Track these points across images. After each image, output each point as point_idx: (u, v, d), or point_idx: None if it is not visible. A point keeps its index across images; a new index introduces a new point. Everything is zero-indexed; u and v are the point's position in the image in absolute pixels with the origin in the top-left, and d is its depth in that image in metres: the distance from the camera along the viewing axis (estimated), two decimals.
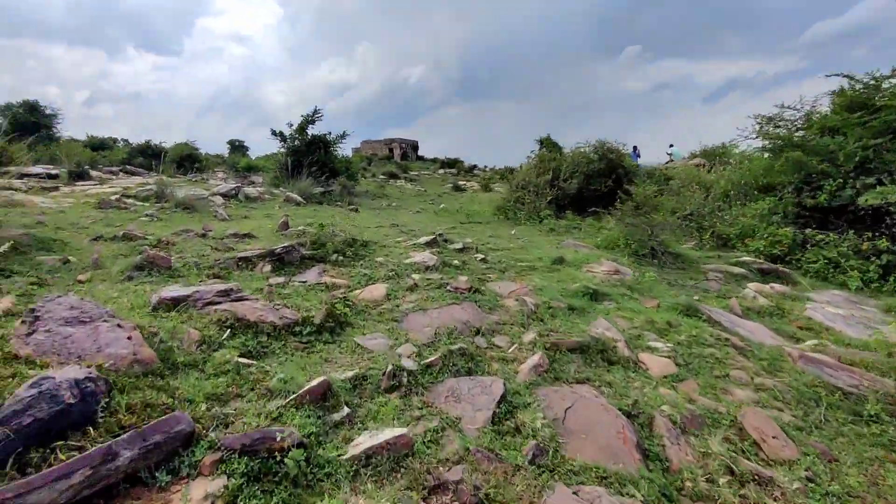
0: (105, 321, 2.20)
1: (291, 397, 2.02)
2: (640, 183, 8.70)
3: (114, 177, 17.09)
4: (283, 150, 16.09)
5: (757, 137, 8.62)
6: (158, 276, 3.54)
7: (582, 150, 9.80)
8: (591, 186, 8.87)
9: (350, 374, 2.32)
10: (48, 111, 29.89)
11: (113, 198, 8.46)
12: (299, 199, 10.93)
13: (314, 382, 2.11)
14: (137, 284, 3.32)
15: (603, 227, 7.53)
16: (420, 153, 59.52)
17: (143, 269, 3.58)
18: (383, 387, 2.29)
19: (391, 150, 55.12)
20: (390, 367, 2.36)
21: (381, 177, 35.47)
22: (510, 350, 2.89)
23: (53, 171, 12.25)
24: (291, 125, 15.68)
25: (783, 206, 7.00)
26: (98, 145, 33.43)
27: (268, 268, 4.00)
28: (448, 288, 3.90)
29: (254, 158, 34.81)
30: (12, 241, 4.03)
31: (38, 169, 12.15)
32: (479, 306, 3.59)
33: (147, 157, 28.15)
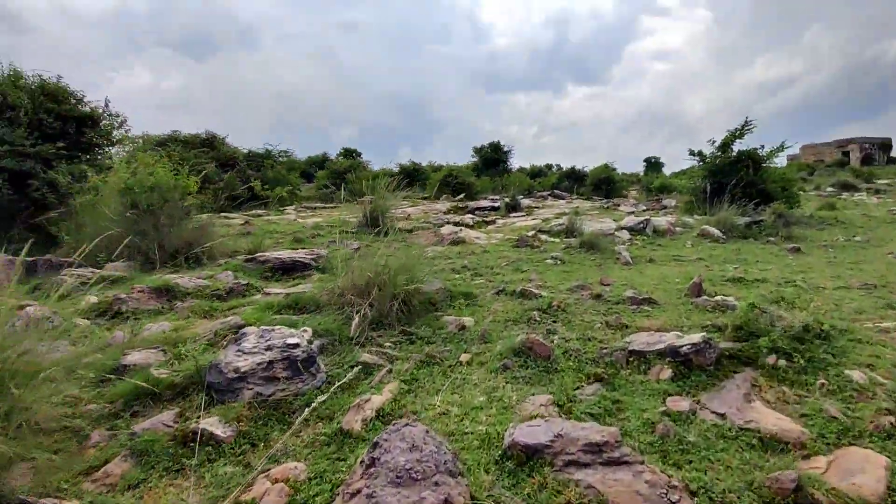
0: (436, 484, 1.68)
1: None
2: None
3: (541, 202, 19.30)
4: (699, 169, 14.25)
5: None
6: (534, 369, 3.02)
7: None
8: None
9: None
10: (506, 148, 37.19)
11: (530, 234, 9.05)
12: (717, 233, 9.14)
13: None
14: (508, 381, 2.88)
15: None
16: (894, 154, 43.97)
17: (520, 354, 3.15)
18: None
19: (846, 154, 42.80)
20: None
21: (829, 189, 27.56)
22: None
23: (496, 204, 14.58)
24: (714, 142, 13.68)
25: None
26: (536, 173, 39.37)
27: (667, 373, 2.92)
28: None
29: (669, 175, 33.44)
30: (429, 296, 4.40)
31: (485, 203, 14.76)
32: None
33: (572, 180, 31.20)
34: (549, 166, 49.91)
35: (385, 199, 8.73)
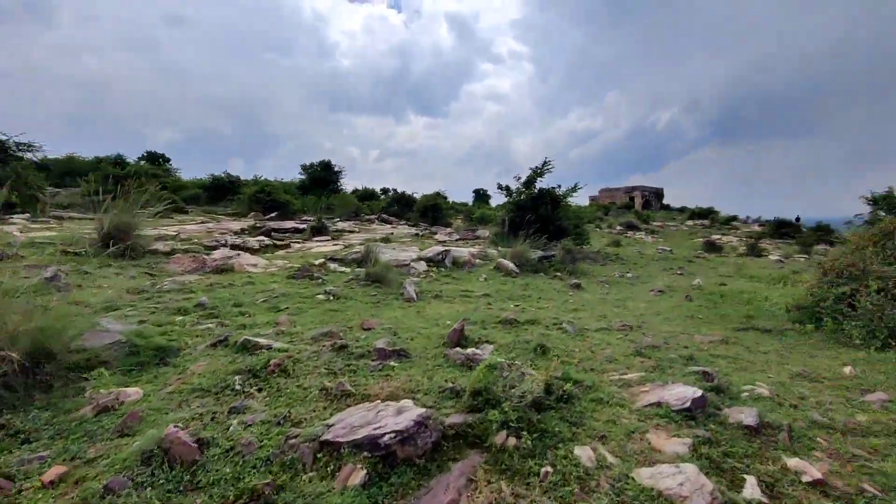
0: None
1: None
2: None
3: (364, 226, 18.47)
4: (508, 203, 14.87)
5: None
6: (161, 487, 1.97)
7: None
8: None
9: None
10: (337, 168, 35.72)
11: (318, 262, 8.03)
12: (512, 266, 9.17)
13: None
14: None
15: None
16: (665, 202, 53.45)
17: (150, 461, 2.08)
18: None
19: (632, 199, 50.72)
20: None
21: (619, 227, 31.97)
22: None
23: (301, 226, 13.30)
24: (519, 178, 14.37)
25: None
26: (367, 196, 38.65)
27: (359, 476, 2.12)
28: None
29: (494, 206, 35.53)
30: (93, 354, 3.08)
31: (290, 224, 13.39)
32: None
33: (401, 205, 31.11)
34: (384, 190, 49.71)
35: (129, 213, 6.93)
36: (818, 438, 2.95)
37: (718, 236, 28.86)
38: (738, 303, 7.66)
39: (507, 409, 2.67)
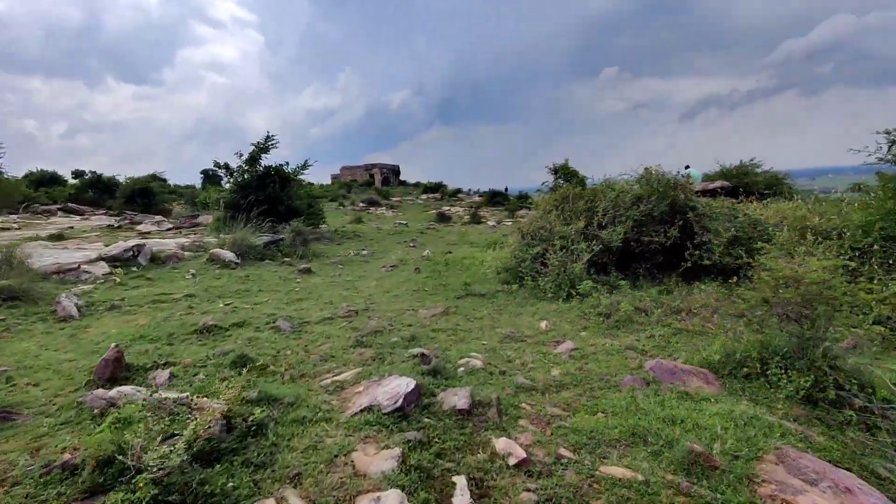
0: None
1: None
2: (720, 231, 5.85)
3: (34, 220, 13.89)
4: (230, 184, 13.11)
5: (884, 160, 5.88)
6: None
7: (627, 182, 6.94)
8: (644, 238, 6.00)
9: None
10: None
11: None
12: (230, 256, 7.88)
13: None
14: None
15: (695, 314, 4.62)
16: (402, 178, 57.13)
17: None
18: None
19: (372, 176, 52.51)
20: None
21: (361, 204, 32.51)
22: None
23: None
24: (241, 155, 12.74)
25: None
26: (49, 180, 30.16)
27: None
28: None
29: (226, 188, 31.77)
30: None
31: None
32: None
33: (100, 191, 25.01)
34: (78, 173, 39.81)
35: None
36: (523, 405, 2.94)
37: (447, 207, 31.95)
38: (459, 270, 8.13)
39: (143, 485, 1.79)
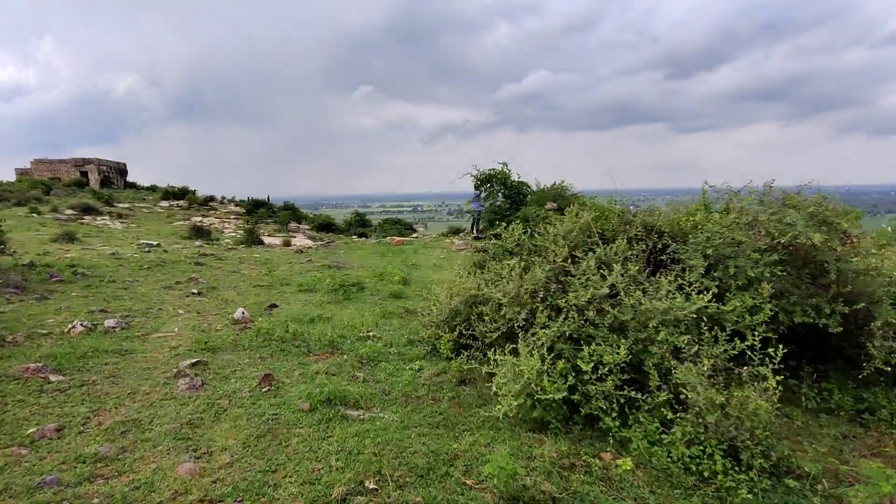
0: None
1: None
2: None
3: None
4: None
5: None
6: None
7: (716, 211, 4.08)
8: (792, 316, 3.29)
9: None
10: None
11: None
12: None
13: None
14: None
15: None
16: (130, 178, 45.23)
17: None
18: None
19: (85, 174, 39.79)
20: None
21: (70, 212, 22.87)
22: None
23: None
24: None
25: None
26: None
27: None
28: None
29: None
30: None
31: None
32: None
33: None
34: None
35: None
36: None
37: (200, 219, 25.24)
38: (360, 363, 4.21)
39: None
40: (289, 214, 30.56)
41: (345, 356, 4.67)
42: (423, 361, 4.41)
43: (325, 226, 29.82)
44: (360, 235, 25.31)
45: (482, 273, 4.68)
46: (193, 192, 38.19)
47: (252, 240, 17.29)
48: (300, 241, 18.38)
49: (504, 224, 5.14)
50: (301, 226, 29.10)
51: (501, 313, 3.79)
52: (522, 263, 4.06)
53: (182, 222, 22.67)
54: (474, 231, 15.23)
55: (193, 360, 4.27)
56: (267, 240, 17.70)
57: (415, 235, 23.09)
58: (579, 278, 3.50)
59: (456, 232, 19.55)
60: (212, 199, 39.42)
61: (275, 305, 6.95)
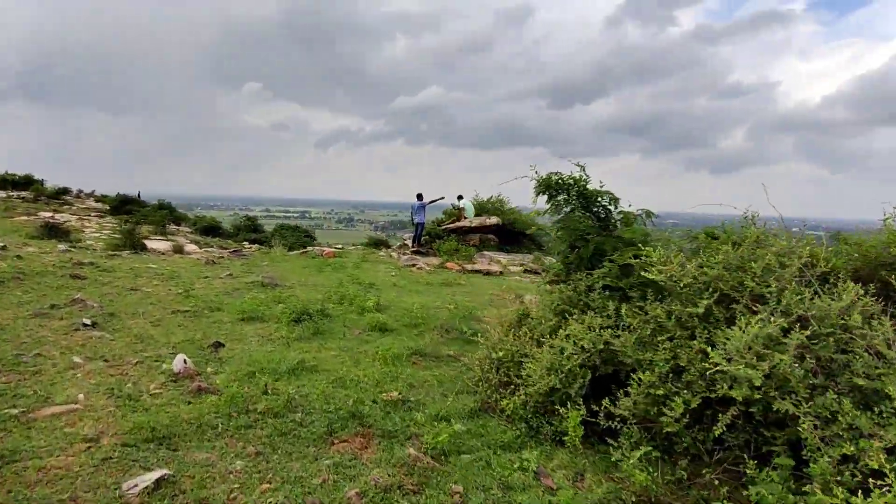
0: None
1: None
2: None
3: None
4: None
5: None
6: None
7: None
8: None
9: None
10: None
11: None
12: None
13: None
14: None
15: None
16: None
17: None
18: None
19: None
20: None
21: None
22: None
23: None
24: None
25: None
26: None
27: None
28: None
29: None
30: None
31: None
32: None
33: None
34: None
35: None
36: None
37: (51, 214, 20.63)
38: None
39: None
40: (166, 214, 26.34)
41: (394, 443, 3.00)
42: (531, 453, 2.89)
43: (211, 229, 26.32)
44: (254, 242, 22.48)
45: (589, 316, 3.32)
46: (41, 182, 31.90)
47: (133, 244, 14.00)
48: (191, 247, 15.44)
49: (595, 251, 3.82)
50: (181, 228, 25.21)
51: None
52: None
53: (26, 217, 18.24)
54: (415, 244, 13.77)
55: (150, 476, 2.34)
56: (150, 244, 14.53)
57: (321, 246, 20.86)
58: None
59: (377, 244, 17.80)
60: (65, 191, 33.14)
61: (221, 344, 4.93)
